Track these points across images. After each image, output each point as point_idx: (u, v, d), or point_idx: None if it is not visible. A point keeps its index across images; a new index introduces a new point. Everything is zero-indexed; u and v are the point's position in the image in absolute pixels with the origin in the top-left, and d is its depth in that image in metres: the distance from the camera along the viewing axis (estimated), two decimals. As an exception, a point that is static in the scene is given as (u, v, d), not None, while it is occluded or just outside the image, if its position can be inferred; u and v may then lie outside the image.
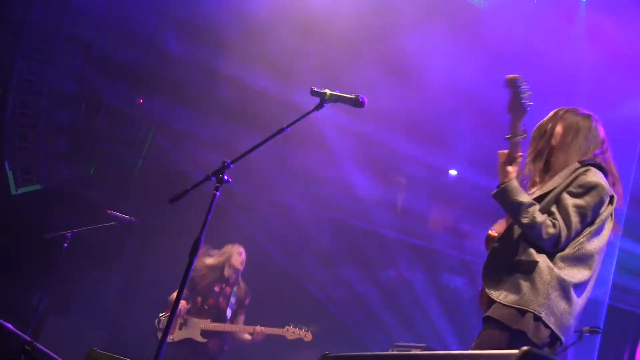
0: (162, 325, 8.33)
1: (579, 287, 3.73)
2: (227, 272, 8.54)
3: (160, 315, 8.54)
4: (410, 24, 10.80)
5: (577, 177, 3.80)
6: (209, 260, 8.63)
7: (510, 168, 3.78)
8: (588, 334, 7.91)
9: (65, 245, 8.39)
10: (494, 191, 3.81)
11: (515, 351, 1.65)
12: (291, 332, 8.08)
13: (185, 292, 8.30)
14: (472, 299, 11.91)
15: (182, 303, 8.24)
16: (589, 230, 3.77)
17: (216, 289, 8.46)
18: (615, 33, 10.42)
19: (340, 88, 5.00)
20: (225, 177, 4.63)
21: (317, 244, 12.32)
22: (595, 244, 3.80)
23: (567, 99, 10.59)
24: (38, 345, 3.63)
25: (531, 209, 3.68)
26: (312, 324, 8.62)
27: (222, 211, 9.93)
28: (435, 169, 12.59)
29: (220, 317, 8.34)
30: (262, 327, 8.17)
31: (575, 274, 3.70)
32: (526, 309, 3.54)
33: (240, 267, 8.54)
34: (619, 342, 10.20)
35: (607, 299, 10.71)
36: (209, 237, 4.67)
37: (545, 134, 4.06)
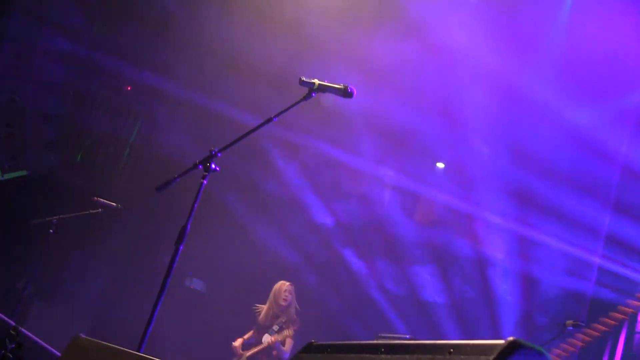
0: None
1: None
2: (275, 308, 9.27)
3: None
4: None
5: None
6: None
7: None
8: (571, 328, 7.97)
9: (51, 231, 8.37)
10: None
11: (502, 341, 1.66)
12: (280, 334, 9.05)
13: (250, 332, 9.27)
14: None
15: (238, 343, 9.21)
16: None
17: (268, 324, 9.20)
18: (599, 32, 10.46)
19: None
20: (213, 166, 4.63)
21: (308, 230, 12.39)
22: None
23: (552, 94, 10.72)
24: (23, 330, 3.63)
25: None
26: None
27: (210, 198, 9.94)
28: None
29: (258, 344, 9.12)
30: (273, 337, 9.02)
31: None
32: None
33: (283, 303, 9.23)
34: (601, 335, 10.24)
35: (590, 292, 10.76)
36: (196, 224, 4.66)
37: None
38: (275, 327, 9.11)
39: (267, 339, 9.01)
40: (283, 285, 9.42)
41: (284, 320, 9.17)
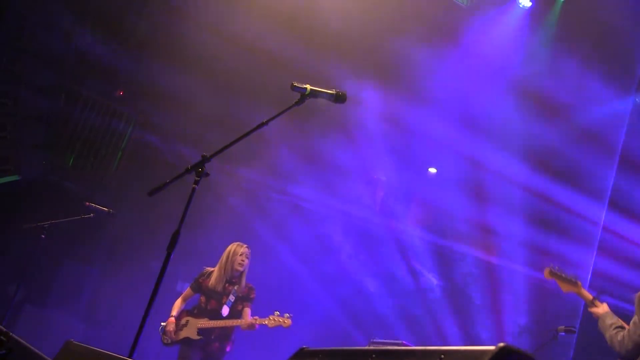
0: (164, 325, 8.22)
1: None
2: (229, 272, 8.25)
3: (162, 323, 8.26)
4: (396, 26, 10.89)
5: None
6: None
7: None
8: (563, 334, 8.02)
9: (43, 236, 8.35)
10: None
11: (492, 347, 1.66)
12: (272, 320, 7.84)
13: (190, 292, 8.32)
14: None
15: (172, 321, 8.16)
16: None
17: (219, 289, 8.21)
18: (594, 31, 10.51)
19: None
20: (205, 171, 4.63)
21: (294, 237, 12.40)
22: None
23: (545, 97, 10.78)
24: (14, 335, 3.61)
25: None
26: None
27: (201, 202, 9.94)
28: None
29: (215, 315, 8.13)
30: (253, 320, 7.90)
31: None
32: None
33: (239, 268, 8.22)
34: (595, 341, 10.27)
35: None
36: (188, 230, 4.66)
37: None
38: (232, 298, 8.09)
39: (248, 319, 7.86)
40: (240, 247, 8.34)
41: (239, 290, 8.17)
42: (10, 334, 3.64)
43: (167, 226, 4.84)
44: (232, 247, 8.37)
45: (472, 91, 11.32)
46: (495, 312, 11.70)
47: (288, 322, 7.85)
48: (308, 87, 4.98)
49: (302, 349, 2.35)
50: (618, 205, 10.66)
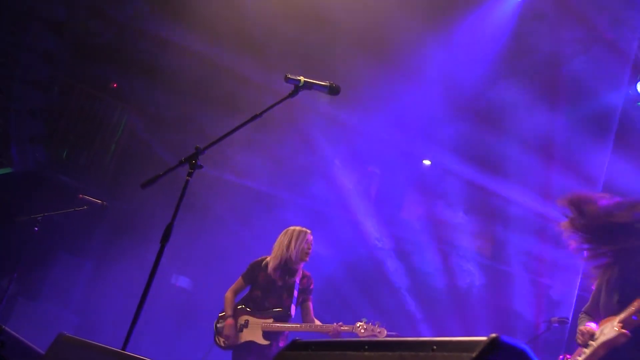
0: (220, 327, 7.17)
1: None
2: (292, 263, 7.10)
3: (218, 325, 7.19)
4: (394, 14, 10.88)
5: None
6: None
7: None
8: (557, 324, 8.07)
9: (36, 229, 8.33)
10: None
11: (484, 338, 1.67)
12: (363, 328, 6.72)
13: (241, 282, 7.22)
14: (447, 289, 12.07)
15: (230, 323, 7.02)
16: None
17: (279, 282, 7.07)
18: (595, 24, 10.51)
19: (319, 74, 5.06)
20: (198, 163, 4.62)
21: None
22: None
23: (547, 86, 10.79)
24: (6, 328, 3.61)
25: None
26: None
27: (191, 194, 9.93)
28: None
29: (284, 316, 7.02)
30: (336, 325, 6.79)
31: None
32: None
33: (306, 258, 7.09)
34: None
35: (577, 290, 10.83)
36: (182, 221, 4.66)
37: None
38: (296, 293, 7.01)
39: (331, 327, 6.67)
40: (306, 233, 7.12)
41: (302, 282, 7.09)
42: (3, 326, 3.64)
43: (161, 219, 4.83)
44: (295, 231, 7.19)
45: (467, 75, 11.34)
46: (491, 304, 11.74)
47: (384, 332, 6.79)
48: (302, 78, 4.97)
49: (294, 341, 2.35)
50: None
